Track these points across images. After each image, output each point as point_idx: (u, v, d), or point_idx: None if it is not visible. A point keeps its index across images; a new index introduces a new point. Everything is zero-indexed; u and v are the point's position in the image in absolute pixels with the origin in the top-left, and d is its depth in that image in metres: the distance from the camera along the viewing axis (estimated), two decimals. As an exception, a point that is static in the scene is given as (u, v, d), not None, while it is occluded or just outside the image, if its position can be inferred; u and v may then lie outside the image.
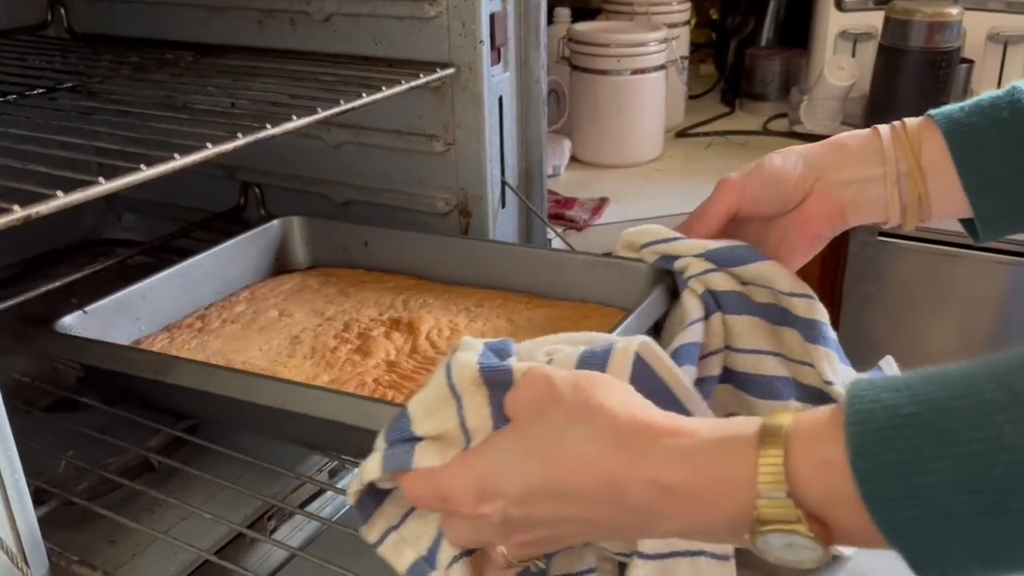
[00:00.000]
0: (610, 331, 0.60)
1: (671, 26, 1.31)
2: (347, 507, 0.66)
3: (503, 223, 0.88)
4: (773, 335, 0.59)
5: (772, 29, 1.53)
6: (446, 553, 0.44)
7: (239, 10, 0.90)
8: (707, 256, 0.59)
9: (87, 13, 1.00)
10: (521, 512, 0.40)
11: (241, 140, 0.60)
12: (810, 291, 0.58)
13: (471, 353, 0.44)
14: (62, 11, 1.00)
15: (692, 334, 0.56)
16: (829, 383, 0.57)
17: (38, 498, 0.52)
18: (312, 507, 0.64)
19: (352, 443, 0.52)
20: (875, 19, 1.27)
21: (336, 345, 0.66)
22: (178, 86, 0.78)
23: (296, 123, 0.65)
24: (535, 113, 0.88)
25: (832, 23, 1.36)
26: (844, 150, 0.59)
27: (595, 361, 0.43)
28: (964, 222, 0.59)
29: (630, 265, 0.66)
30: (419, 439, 0.43)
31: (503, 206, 0.87)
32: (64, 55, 0.92)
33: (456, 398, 0.43)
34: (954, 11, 1.18)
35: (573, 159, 1.26)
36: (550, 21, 1.32)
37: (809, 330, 0.57)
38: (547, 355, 0.45)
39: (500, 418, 0.42)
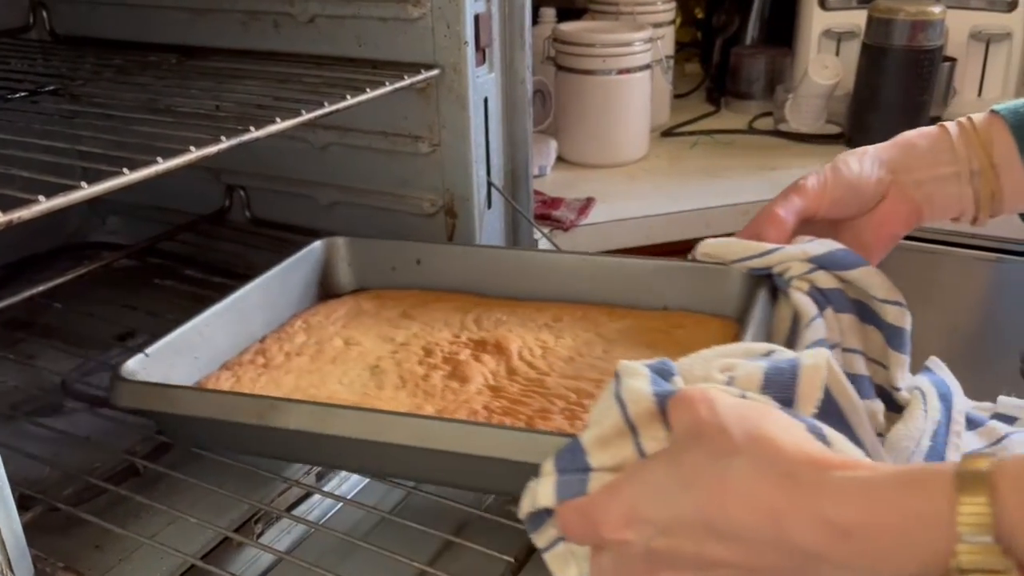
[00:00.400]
0: (735, 340, 0.58)
1: (656, 26, 1.31)
2: (335, 510, 0.66)
3: (489, 224, 0.88)
4: (861, 333, 0.59)
5: (757, 28, 1.53)
6: None
7: (223, 12, 0.90)
8: (812, 262, 0.58)
9: (70, 16, 1.00)
10: (667, 544, 0.37)
11: (225, 143, 0.60)
12: (902, 299, 0.58)
13: (640, 380, 0.42)
14: (44, 14, 1.00)
15: (817, 330, 0.55)
16: (897, 388, 0.58)
17: (23, 504, 0.52)
18: (299, 511, 0.64)
19: (510, 480, 0.46)
20: (859, 18, 1.28)
21: (426, 372, 0.62)
22: (162, 89, 0.78)
23: (280, 125, 0.65)
24: (520, 113, 0.89)
25: (816, 22, 1.37)
26: (915, 150, 0.60)
27: (783, 380, 0.41)
28: None
29: (716, 269, 0.64)
30: (593, 469, 0.42)
31: (489, 207, 0.88)
32: (46, 58, 0.91)
33: (633, 430, 0.41)
34: (936, 10, 1.19)
35: (559, 159, 1.26)
36: (535, 21, 1.32)
37: (894, 336, 0.58)
38: (723, 371, 0.43)
39: None
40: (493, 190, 0.88)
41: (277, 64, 0.84)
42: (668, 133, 1.38)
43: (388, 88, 0.74)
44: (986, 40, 1.32)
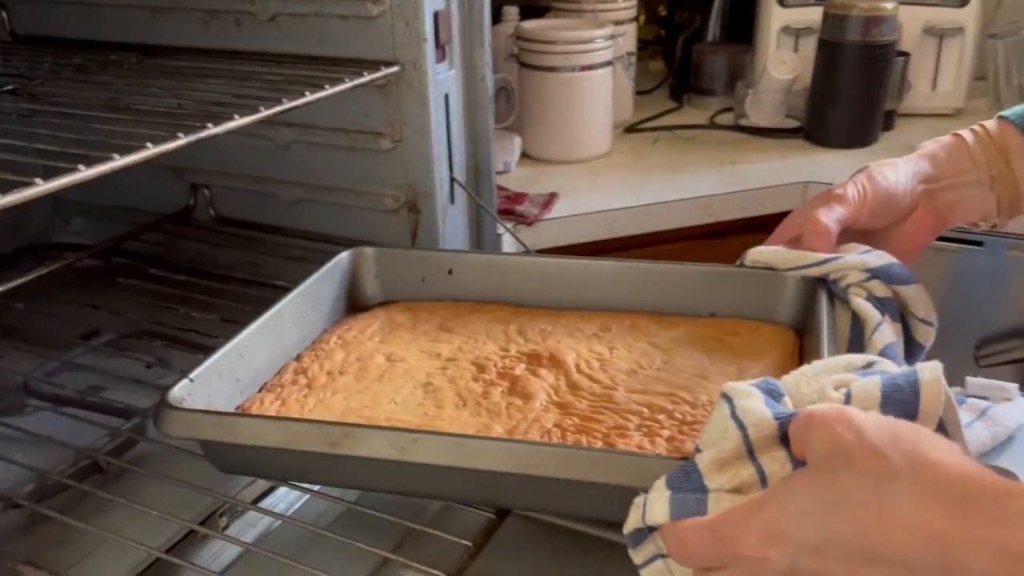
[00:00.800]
0: (792, 346, 0.61)
1: (617, 23, 1.33)
2: (302, 502, 0.66)
3: (453, 219, 0.89)
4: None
5: (718, 25, 1.56)
6: None
7: (183, 11, 0.90)
8: (869, 271, 0.59)
9: (29, 16, 0.99)
10: (814, 565, 0.36)
11: (183, 139, 0.61)
12: (935, 320, 0.60)
13: (756, 402, 0.42)
14: (3, 13, 0.99)
15: (886, 335, 0.56)
16: None
17: (-16, 501, 0.52)
18: (266, 503, 0.64)
19: (608, 503, 0.46)
20: (816, 14, 1.30)
21: (484, 389, 0.59)
22: (122, 87, 0.78)
23: (238, 122, 0.65)
24: (482, 110, 0.90)
25: (775, 18, 1.39)
26: (938, 159, 0.63)
27: (903, 396, 0.41)
28: None
29: (767, 275, 0.64)
30: (710, 490, 0.42)
31: (452, 202, 0.89)
32: (5, 58, 0.91)
33: (751, 453, 0.41)
34: (889, 5, 1.22)
35: (524, 155, 1.28)
36: (499, 19, 1.33)
37: (917, 353, 0.60)
38: (837, 388, 0.43)
39: (799, 467, 0.40)
40: (456, 186, 0.89)
41: (238, 62, 0.84)
42: (631, 129, 1.39)
43: (347, 85, 0.75)
44: (939, 35, 1.35)
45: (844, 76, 1.26)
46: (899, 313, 0.60)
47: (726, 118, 1.42)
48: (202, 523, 0.60)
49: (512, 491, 0.50)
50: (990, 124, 0.63)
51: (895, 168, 0.62)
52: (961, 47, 1.35)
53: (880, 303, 0.58)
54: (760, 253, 0.64)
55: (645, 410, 0.55)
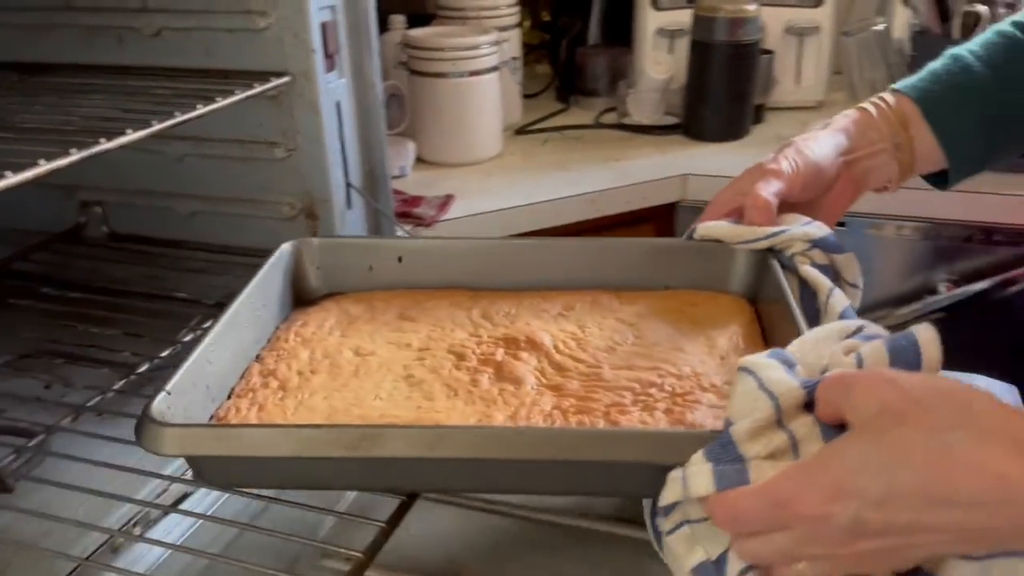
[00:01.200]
0: (747, 315, 0.63)
1: (502, 29, 1.37)
2: (221, 501, 0.67)
3: (351, 223, 0.92)
4: None
5: (599, 29, 1.63)
6: (735, 564, 0.44)
7: (63, 27, 0.89)
8: (814, 243, 0.62)
9: None
10: (878, 516, 0.39)
11: (76, 155, 0.61)
12: (861, 283, 0.65)
13: (779, 372, 0.44)
14: None
15: (841, 299, 0.59)
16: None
17: None
18: (186, 505, 0.65)
19: (639, 482, 0.48)
20: (688, 16, 1.38)
21: (471, 377, 0.59)
22: (6, 106, 0.77)
23: (131, 136, 0.66)
24: (374, 116, 0.92)
25: (650, 21, 1.47)
26: (850, 132, 0.68)
27: (908, 357, 0.44)
28: (929, 177, 0.70)
29: (718, 248, 0.66)
30: (748, 459, 0.43)
31: (349, 207, 0.91)
32: None
33: (780, 421, 0.44)
34: (752, 7, 1.31)
35: (419, 160, 1.31)
36: (386, 28, 1.36)
37: (847, 315, 0.63)
38: (847, 353, 0.46)
39: (827, 429, 0.43)
40: (352, 191, 0.91)
41: (127, 77, 0.85)
42: (521, 131, 1.44)
43: (239, 96, 0.77)
44: (799, 33, 1.45)
45: (715, 74, 1.34)
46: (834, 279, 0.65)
47: (610, 117, 1.49)
48: (121, 529, 0.61)
49: (537, 477, 0.50)
50: (888, 97, 0.69)
51: (818, 142, 0.66)
52: (819, 44, 1.46)
53: (822, 270, 0.62)
54: (709, 228, 0.66)
55: (636, 385, 0.56)
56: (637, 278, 0.68)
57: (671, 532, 0.46)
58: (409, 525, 0.55)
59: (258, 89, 0.79)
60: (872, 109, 0.69)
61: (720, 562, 0.44)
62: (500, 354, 0.61)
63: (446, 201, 1.14)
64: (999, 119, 0.68)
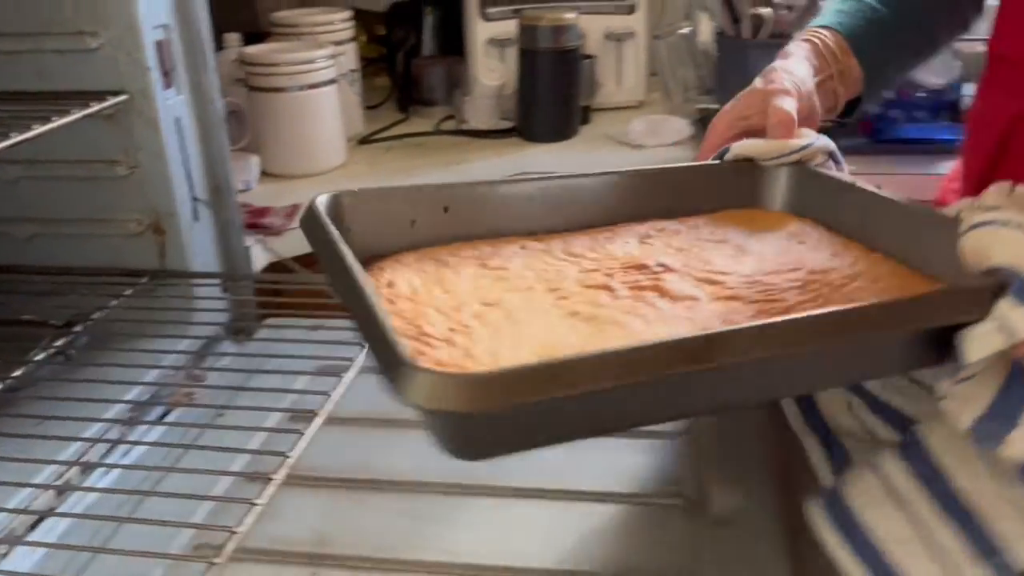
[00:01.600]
0: (794, 224, 0.63)
1: (337, 43, 1.42)
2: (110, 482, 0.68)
3: (199, 236, 0.94)
4: None
5: (433, 40, 1.70)
6: None
7: None
8: (827, 154, 0.65)
9: None
10: None
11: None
12: None
13: (1011, 210, 0.47)
14: None
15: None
16: None
17: None
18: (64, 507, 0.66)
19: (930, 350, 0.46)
20: (515, 26, 1.47)
21: (643, 302, 0.51)
22: None
23: (-33, 158, 0.66)
24: (216, 131, 0.95)
25: (480, 32, 1.55)
26: (806, 63, 0.72)
27: None
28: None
29: (757, 167, 0.65)
30: None
31: (196, 220, 0.93)
32: None
33: None
34: (571, 16, 1.41)
35: (264, 173, 1.33)
36: (222, 47, 1.37)
37: None
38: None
39: None
40: (199, 204, 0.94)
41: (-49, 103, 0.83)
42: (364, 141, 1.49)
43: (74, 116, 0.78)
44: (617, 39, 1.57)
45: (542, 79, 1.44)
46: None
47: (449, 124, 1.56)
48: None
49: (828, 367, 0.47)
50: (820, 30, 0.75)
51: (797, 66, 0.70)
52: (636, 48, 1.59)
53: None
54: (741, 147, 0.65)
55: (800, 283, 0.52)
56: (690, 203, 0.65)
57: (942, 398, 0.46)
58: (279, 510, 0.60)
59: (94, 108, 0.80)
60: (816, 40, 0.75)
61: (993, 412, 0.45)
62: (646, 279, 0.53)
63: (293, 210, 1.17)
64: (899, 45, 0.77)
